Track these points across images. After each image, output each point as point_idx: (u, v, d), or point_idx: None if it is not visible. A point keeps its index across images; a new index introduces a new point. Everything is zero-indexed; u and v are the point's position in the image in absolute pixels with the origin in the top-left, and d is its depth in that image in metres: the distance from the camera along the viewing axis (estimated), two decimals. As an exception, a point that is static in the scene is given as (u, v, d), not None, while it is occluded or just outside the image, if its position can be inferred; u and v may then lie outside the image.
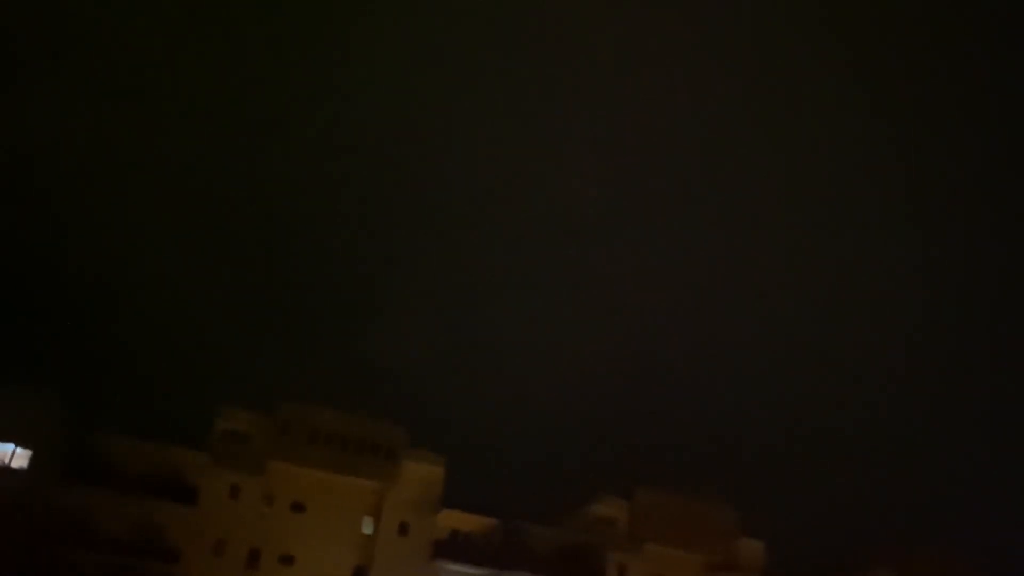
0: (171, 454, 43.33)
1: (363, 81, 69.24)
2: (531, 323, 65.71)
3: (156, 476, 42.73)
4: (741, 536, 50.44)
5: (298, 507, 44.71)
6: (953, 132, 78.21)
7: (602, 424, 58.05)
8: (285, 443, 44.29)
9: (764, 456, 62.35)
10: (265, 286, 58.76)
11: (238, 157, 63.59)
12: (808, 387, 67.06)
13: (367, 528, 45.35)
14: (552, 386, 58.31)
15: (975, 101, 79.55)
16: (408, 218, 67.58)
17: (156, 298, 51.65)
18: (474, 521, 47.42)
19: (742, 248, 77.18)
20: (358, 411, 45.99)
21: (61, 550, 40.25)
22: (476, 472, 47.95)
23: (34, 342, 47.72)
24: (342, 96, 68.34)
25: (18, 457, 41.44)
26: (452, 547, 45.91)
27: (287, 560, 43.92)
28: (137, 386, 46.14)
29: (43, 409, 41.84)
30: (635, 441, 57.62)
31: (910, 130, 77.27)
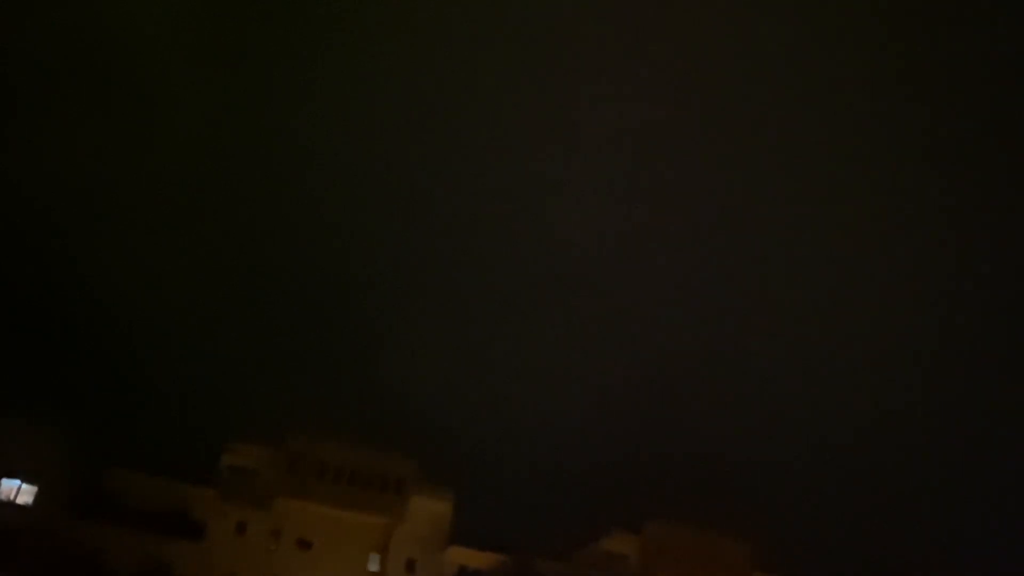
0: (178, 490, 43.22)
1: (379, 109, 69.55)
2: (541, 355, 65.39)
3: (163, 512, 42.62)
4: (755, 571, 49.60)
5: (305, 543, 44.28)
6: (959, 134, 77.58)
7: (612, 458, 57.45)
8: (292, 478, 43.98)
9: (778, 488, 61.45)
10: (271, 320, 58.70)
11: (246, 192, 63.86)
12: (825, 417, 66.28)
13: (374, 565, 44.86)
14: (561, 419, 57.92)
15: (977, 101, 78.99)
16: (417, 248, 67.56)
17: (163, 332, 51.63)
18: (483, 557, 46.73)
19: (754, 275, 76.71)
20: (366, 443, 45.66)
21: (68, 587, 40.03)
22: (484, 507, 47.47)
23: (39, 376, 47.68)
24: (357, 127, 68.65)
25: (24, 493, 41.39)
26: (462, 583, 45.49)
27: (295, 597, 43.55)
28: (143, 421, 46.05)
29: (49, 444, 41.75)
30: (645, 474, 56.97)
31: (919, 134, 76.68)
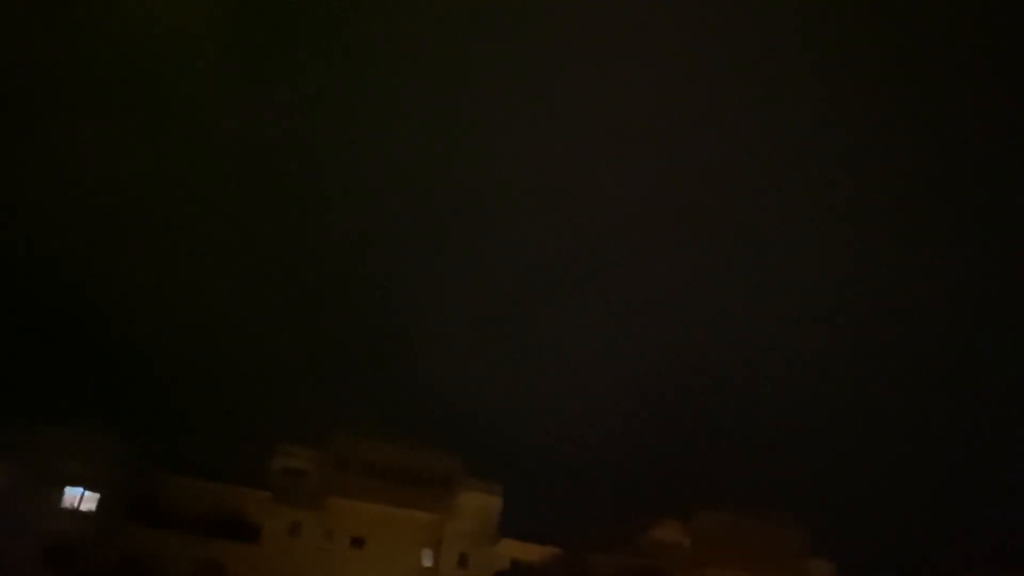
0: (231, 493, 43.96)
1: (409, 111, 69.88)
2: (582, 344, 65.23)
3: (217, 515, 43.48)
4: (810, 557, 49.08)
5: (358, 541, 44.92)
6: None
7: (661, 445, 57.18)
8: (342, 478, 44.60)
9: (833, 471, 60.64)
10: (314, 323, 59.44)
11: (281, 196, 64.65)
12: (879, 396, 65.09)
13: (427, 561, 45.36)
14: (605, 408, 57.78)
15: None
16: (452, 243, 67.78)
17: (211, 338, 52.58)
18: (534, 550, 46.96)
19: (797, 253, 75.57)
20: (413, 441, 46.09)
21: (130, 593, 41.09)
22: (534, 499, 47.63)
23: (93, 385, 48.92)
24: (385, 132, 69.09)
25: (87, 500, 42.58)
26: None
27: (350, 595, 44.20)
28: (194, 426, 46.97)
29: (108, 451, 42.80)
30: (692, 461, 56.65)
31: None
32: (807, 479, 57.59)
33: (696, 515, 48.75)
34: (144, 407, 47.36)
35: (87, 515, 42.13)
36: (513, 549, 46.58)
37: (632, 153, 73.39)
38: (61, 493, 42.19)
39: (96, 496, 42.27)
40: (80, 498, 42.25)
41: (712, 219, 75.54)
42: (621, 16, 72.26)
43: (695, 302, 70.49)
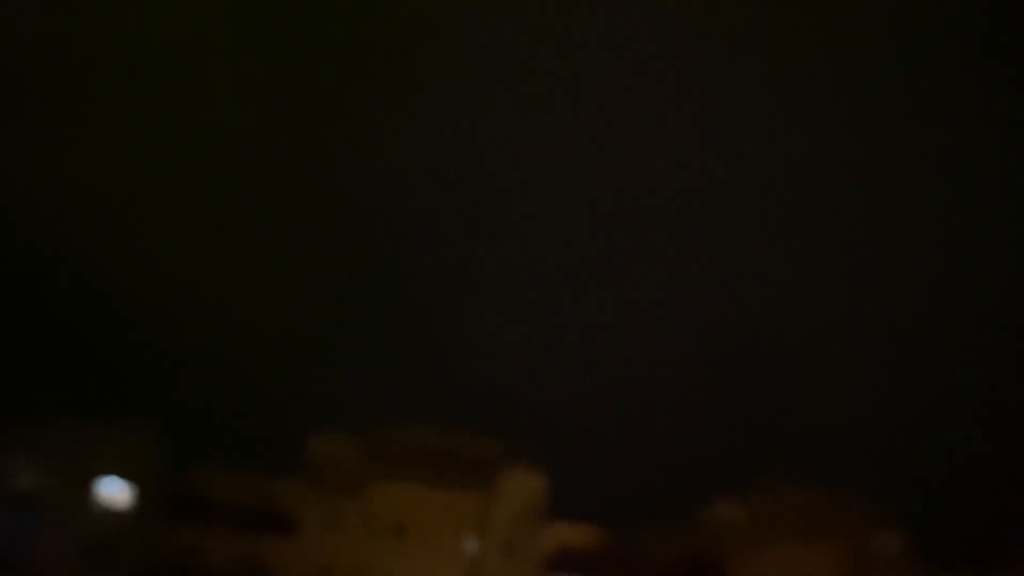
0: (268, 484, 43.23)
1: (430, 102, 68.41)
2: (630, 318, 63.11)
3: (255, 507, 42.78)
4: (876, 528, 46.74)
5: (399, 529, 43.76)
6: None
7: (714, 420, 55.01)
8: (380, 464, 43.56)
9: (900, 441, 57.69)
10: (345, 308, 58.32)
11: (313, 182, 63.68)
12: (950, 365, 61.77)
13: (471, 547, 44.07)
14: (651, 383, 55.65)
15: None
16: (488, 220, 66.13)
17: (241, 327, 51.77)
18: (584, 533, 45.43)
19: (850, 222, 72.50)
20: (452, 425, 44.89)
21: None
22: (582, 481, 45.85)
23: (124, 377, 48.47)
24: (413, 119, 67.72)
25: (123, 494, 42.15)
26: (563, 561, 44.32)
27: (393, 584, 43.16)
28: (226, 417, 46.20)
29: (144, 445, 42.53)
30: (751, 435, 54.31)
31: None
32: (871, 449, 54.98)
33: (754, 491, 46.85)
34: (175, 399, 46.67)
35: (124, 512, 41.94)
36: (562, 532, 45.11)
37: (672, 124, 70.88)
38: (96, 491, 42.05)
39: (132, 492, 42.09)
40: (116, 495, 42.07)
41: (765, 189, 72.80)
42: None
43: (747, 269, 67.79)
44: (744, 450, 52.76)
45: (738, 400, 57.52)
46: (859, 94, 75.56)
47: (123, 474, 42.15)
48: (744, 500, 46.53)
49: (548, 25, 70.44)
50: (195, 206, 59.54)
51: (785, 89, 72.93)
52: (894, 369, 62.31)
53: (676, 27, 69.94)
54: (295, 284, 57.44)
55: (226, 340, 51.00)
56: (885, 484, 47.62)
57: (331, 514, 42.86)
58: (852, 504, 46.94)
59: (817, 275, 66.40)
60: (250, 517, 42.57)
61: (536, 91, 70.31)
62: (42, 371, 47.76)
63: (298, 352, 52.61)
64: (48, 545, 39.65)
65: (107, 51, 60.66)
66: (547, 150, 69.04)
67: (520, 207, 65.99)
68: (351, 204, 63.29)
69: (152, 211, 58.39)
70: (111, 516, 41.50)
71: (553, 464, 44.81)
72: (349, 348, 54.48)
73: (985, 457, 54.26)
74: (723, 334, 60.83)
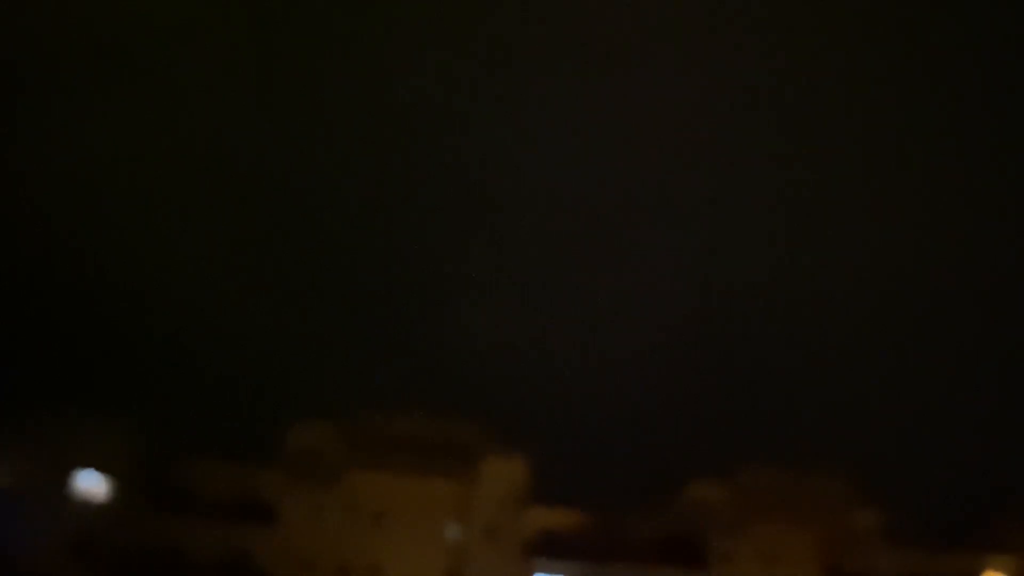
0: (248, 474, 43.25)
1: (414, 95, 68.01)
2: (610, 297, 63.03)
3: (235, 497, 42.81)
4: (856, 508, 47.09)
5: (381, 516, 43.75)
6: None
7: (695, 401, 55.03)
8: (360, 452, 43.54)
9: (880, 420, 57.95)
10: (323, 295, 58.17)
11: (294, 172, 63.42)
12: (935, 345, 61.88)
13: (454, 532, 44.19)
14: (631, 362, 55.67)
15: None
16: (464, 208, 65.90)
17: (218, 315, 51.58)
18: (564, 516, 45.74)
19: (842, 196, 72.32)
20: (430, 410, 44.81)
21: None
22: (563, 463, 45.88)
23: (104, 369, 48.30)
24: (395, 112, 67.32)
25: (101, 487, 42.10)
26: (544, 545, 44.47)
27: (376, 572, 43.18)
28: (204, 407, 46.05)
29: (123, 437, 42.46)
30: (733, 416, 54.44)
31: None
32: (850, 429, 55.20)
33: (735, 472, 47.05)
34: (154, 389, 46.49)
35: (108, 506, 41.93)
36: (543, 516, 45.30)
37: (653, 114, 70.68)
38: (78, 484, 42.03)
39: (114, 485, 42.08)
40: (97, 488, 42.04)
41: (743, 176, 72.62)
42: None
43: (726, 253, 67.73)
44: (724, 431, 52.91)
45: (718, 381, 57.61)
46: (853, 83, 75.49)
47: (104, 467, 42.14)
48: (724, 481, 46.84)
49: (530, 18, 70.20)
50: (175, 197, 59.27)
51: (768, 76, 72.80)
52: (872, 349, 62.54)
53: (656, 18, 69.75)
54: (275, 275, 57.34)
55: (206, 331, 50.83)
56: (864, 464, 47.76)
57: (312, 503, 42.84)
58: (832, 484, 47.26)
59: (796, 257, 66.42)
60: (232, 508, 42.61)
61: (518, 85, 70.20)
62: (21, 364, 47.48)
63: (278, 342, 52.45)
64: (31, 539, 39.61)
65: (89, 38, 60.26)
66: (529, 141, 68.83)
67: (499, 194, 65.78)
68: (331, 195, 63.12)
69: (132, 202, 58.08)
70: (93, 509, 41.43)
71: (534, 448, 44.95)
72: (329, 338, 54.38)
73: (962, 436, 54.58)
74: (702, 315, 60.82)
